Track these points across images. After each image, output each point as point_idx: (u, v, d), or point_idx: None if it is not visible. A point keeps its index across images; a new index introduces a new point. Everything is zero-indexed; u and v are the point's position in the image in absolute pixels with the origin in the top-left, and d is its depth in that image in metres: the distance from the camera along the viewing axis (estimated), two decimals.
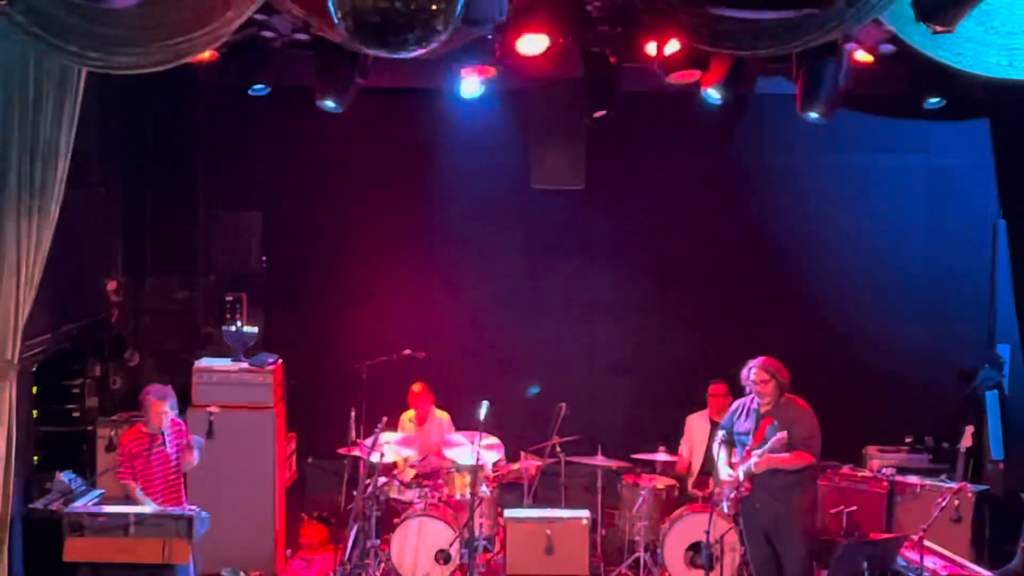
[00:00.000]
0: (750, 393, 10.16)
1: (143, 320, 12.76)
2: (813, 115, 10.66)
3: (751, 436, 10.07)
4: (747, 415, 10.18)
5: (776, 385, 9.98)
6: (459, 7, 6.11)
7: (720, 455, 10.30)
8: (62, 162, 8.74)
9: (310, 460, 12.87)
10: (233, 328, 11.84)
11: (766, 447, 9.82)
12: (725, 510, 10.30)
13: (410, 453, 11.76)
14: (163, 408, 10.01)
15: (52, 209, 8.76)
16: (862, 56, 10.03)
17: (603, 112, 10.55)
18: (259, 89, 11.09)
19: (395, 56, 6.39)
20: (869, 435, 12.32)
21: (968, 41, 8.02)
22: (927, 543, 9.43)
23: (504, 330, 13.12)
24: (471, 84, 10.89)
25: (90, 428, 11.70)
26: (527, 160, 12.02)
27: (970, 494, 10.90)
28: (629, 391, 13.00)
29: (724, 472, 10.22)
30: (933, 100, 11.36)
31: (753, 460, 9.89)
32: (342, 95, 10.85)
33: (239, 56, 10.56)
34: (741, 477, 9.99)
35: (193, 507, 9.76)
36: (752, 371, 10.05)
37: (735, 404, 10.39)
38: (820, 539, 10.64)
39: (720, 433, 10.42)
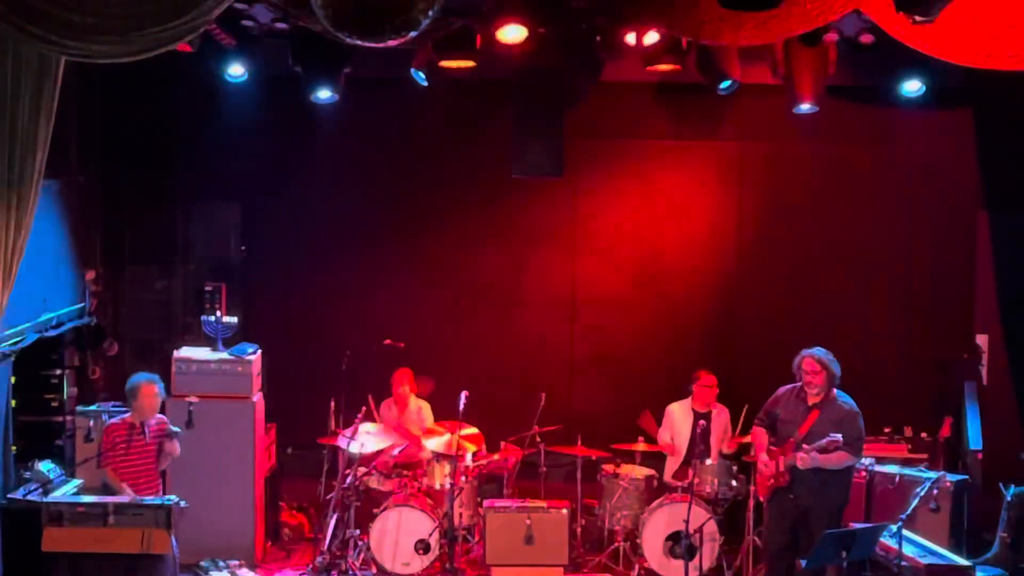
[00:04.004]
0: (798, 381, 10.04)
1: (122, 310, 12.72)
2: (801, 106, 10.70)
3: (797, 427, 9.96)
4: (794, 403, 10.05)
5: (827, 377, 9.86)
6: None
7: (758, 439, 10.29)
8: (40, 152, 8.69)
9: (290, 450, 12.82)
10: (212, 318, 11.80)
11: (816, 445, 9.76)
12: (760, 497, 10.29)
13: (389, 442, 11.73)
14: (156, 390, 10.01)
15: (30, 199, 8.72)
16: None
17: None
18: (237, 76, 11.08)
19: (374, 45, 6.37)
20: None
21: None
22: (906, 532, 9.47)
23: (484, 320, 13.09)
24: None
25: (69, 418, 11.63)
26: (507, 149, 12.00)
27: (948, 484, 10.91)
28: (609, 381, 12.98)
29: (761, 457, 10.16)
30: (915, 89, 11.38)
31: (799, 455, 9.82)
32: (324, 85, 10.86)
33: (218, 45, 10.53)
34: (782, 468, 9.94)
35: (172, 496, 9.73)
36: (804, 360, 9.92)
37: (782, 389, 10.22)
38: None
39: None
